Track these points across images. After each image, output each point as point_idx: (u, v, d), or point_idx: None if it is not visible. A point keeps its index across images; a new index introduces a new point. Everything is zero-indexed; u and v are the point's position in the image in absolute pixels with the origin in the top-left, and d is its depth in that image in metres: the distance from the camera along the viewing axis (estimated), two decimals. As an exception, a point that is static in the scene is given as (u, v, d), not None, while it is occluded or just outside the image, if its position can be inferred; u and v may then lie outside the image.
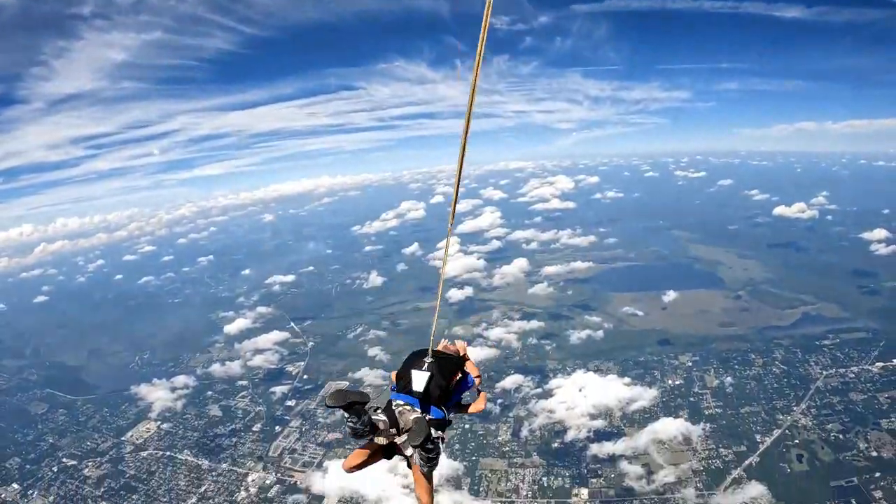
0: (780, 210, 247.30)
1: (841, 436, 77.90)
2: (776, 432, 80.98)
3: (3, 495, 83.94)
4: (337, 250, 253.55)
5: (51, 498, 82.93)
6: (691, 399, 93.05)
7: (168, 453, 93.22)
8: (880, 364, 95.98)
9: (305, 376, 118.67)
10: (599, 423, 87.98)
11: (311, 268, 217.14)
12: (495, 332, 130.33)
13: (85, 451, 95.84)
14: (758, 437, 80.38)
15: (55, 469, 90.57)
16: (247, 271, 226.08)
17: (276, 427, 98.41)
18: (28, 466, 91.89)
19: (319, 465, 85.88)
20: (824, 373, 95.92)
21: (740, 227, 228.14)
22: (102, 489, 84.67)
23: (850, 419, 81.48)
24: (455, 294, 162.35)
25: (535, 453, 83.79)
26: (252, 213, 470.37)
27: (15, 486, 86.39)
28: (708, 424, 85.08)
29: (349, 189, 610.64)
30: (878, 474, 69.30)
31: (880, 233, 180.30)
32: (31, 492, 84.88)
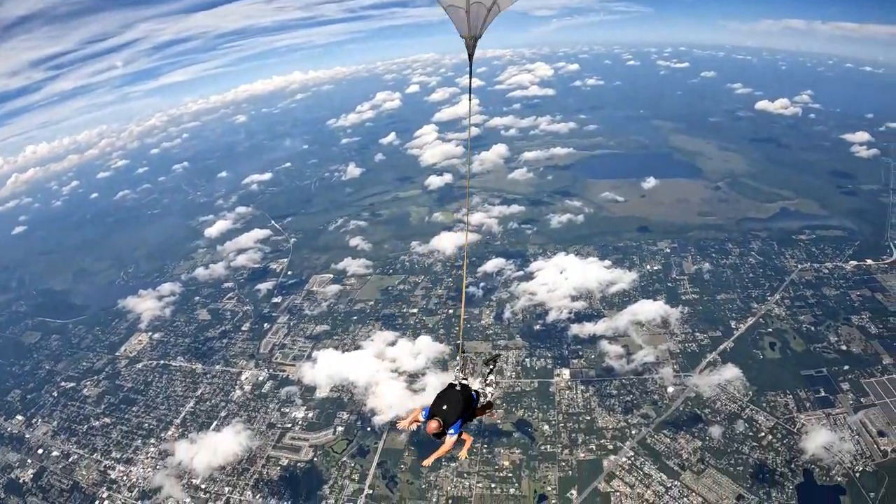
0: (762, 105, 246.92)
1: (812, 328, 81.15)
2: (750, 320, 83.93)
3: (9, 429, 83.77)
4: (313, 145, 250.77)
5: (54, 423, 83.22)
6: (669, 284, 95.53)
7: (162, 362, 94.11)
8: (854, 263, 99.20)
9: (289, 272, 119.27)
10: (580, 305, 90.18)
11: (288, 164, 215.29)
12: (476, 217, 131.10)
13: (81, 371, 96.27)
14: (733, 324, 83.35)
15: (55, 394, 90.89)
16: (223, 174, 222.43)
17: (265, 324, 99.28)
18: (28, 396, 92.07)
19: (309, 357, 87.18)
20: (799, 266, 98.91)
21: (722, 119, 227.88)
22: (103, 406, 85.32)
23: (822, 312, 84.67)
24: (434, 181, 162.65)
25: (517, 335, 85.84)
26: (224, 115, 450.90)
27: (19, 417, 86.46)
28: (686, 308, 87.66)
29: (322, 83, 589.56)
30: (846, 367, 72.59)
31: (862, 136, 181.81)
32: (34, 420, 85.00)
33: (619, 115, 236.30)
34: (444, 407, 12.74)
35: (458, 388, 13.46)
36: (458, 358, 14.43)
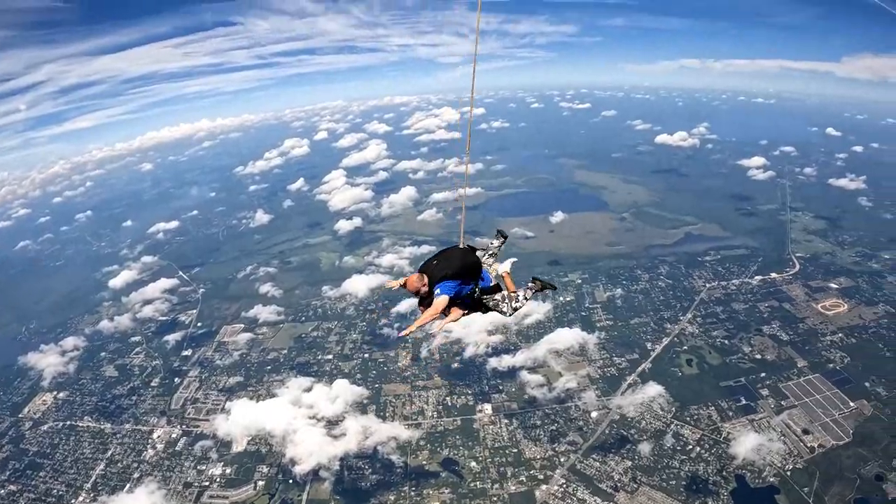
0: (662, 138, 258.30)
1: (726, 341, 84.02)
2: (665, 340, 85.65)
3: None
4: (221, 193, 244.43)
5: (-45, 496, 76.65)
6: (583, 313, 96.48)
7: (68, 423, 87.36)
8: (759, 277, 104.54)
9: (199, 323, 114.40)
10: (496, 339, 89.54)
11: (195, 212, 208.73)
12: (387, 259, 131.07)
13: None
14: (649, 345, 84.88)
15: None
16: (128, 223, 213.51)
17: (175, 379, 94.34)
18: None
19: (223, 410, 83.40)
20: (707, 286, 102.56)
21: (624, 154, 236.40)
22: (7, 472, 78.33)
23: (733, 326, 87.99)
24: (344, 225, 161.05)
25: (436, 374, 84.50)
26: (130, 163, 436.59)
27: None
28: (602, 334, 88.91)
29: (230, 131, 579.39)
30: (763, 374, 75.74)
31: (758, 160, 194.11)
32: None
33: (525, 155, 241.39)
34: (436, 263, 11.19)
35: (463, 248, 11.65)
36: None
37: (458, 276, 11.05)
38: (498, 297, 12.30)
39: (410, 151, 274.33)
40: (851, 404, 68.75)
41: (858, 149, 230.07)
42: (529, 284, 13.14)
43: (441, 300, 10.61)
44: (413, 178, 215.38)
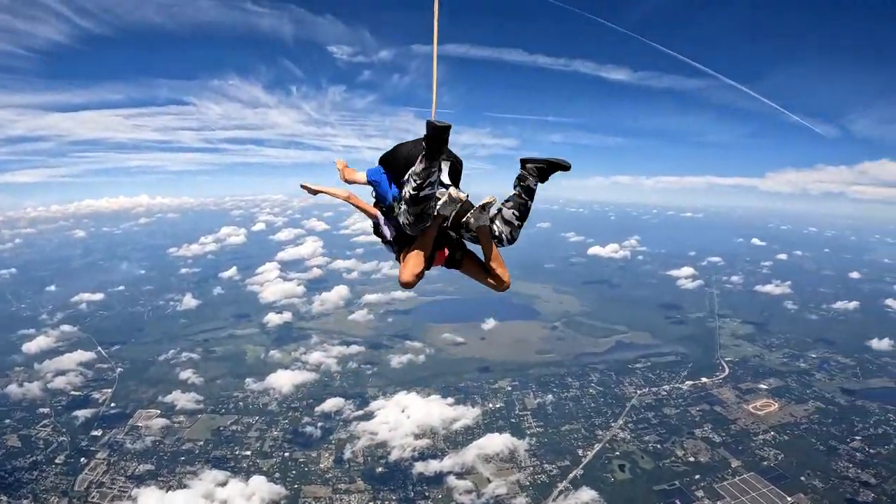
0: (594, 250, 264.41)
1: (659, 445, 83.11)
2: (597, 446, 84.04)
3: None
4: (151, 271, 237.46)
5: None
6: (512, 420, 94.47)
7: None
8: (690, 382, 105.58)
9: (113, 403, 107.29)
10: (424, 443, 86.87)
11: (122, 287, 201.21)
12: (314, 357, 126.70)
13: None
14: (580, 452, 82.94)
15: None
16: (52, 288, 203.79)
17: (82, 459, 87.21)
18: None
19: (129, 498, 78.12)
20: (638, 392, 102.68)
21: (557, 265, 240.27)
22: None
23: (665, 431, 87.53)
24: (273, 319, 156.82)
25: (359, 478, 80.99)
26: (63, 227, 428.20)
27: None
28: (532, 440, 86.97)
29: (168, 211, 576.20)
30: (697, 476, 75.14)
31: (687, 270, 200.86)
32: None
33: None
34: (388, 151, 9.08)
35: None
36: None
37: (397, 171, 8.83)
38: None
39: (346, 251, 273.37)
40: (789, 499, 69.35)
41: (783, 256, 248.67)
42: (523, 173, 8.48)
43: (357, 177, 9.68)
44: (346, 278, 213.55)
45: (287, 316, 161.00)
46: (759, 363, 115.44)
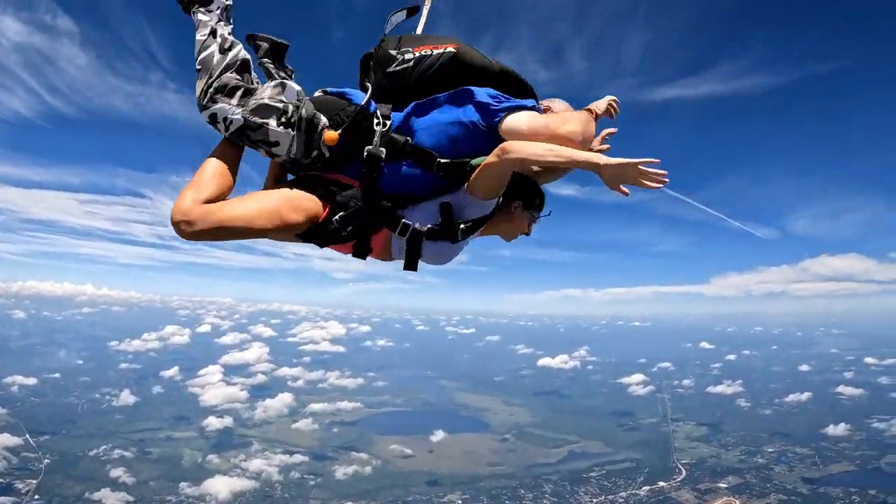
0: (544, 362, 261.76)
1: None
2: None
3: None
4: (90, 363, 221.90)
5: None
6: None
7: None
8: (647, 487, 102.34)
9: (37, 496, 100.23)
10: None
11: (57, 375, 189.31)
12: (255, 464, 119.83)
13: None
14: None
15: None
16: None
17: None
18: None
19: None
20: (594, 500, 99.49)
21: (507, 377, 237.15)
22: None
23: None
24: (213, 422, 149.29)
25: None
26: (3, 305, 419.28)
27: None
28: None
29: (113, 303, 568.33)
30: None
31: (637, 377, 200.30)
32: None
33: (408, 375, 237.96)
34: None
35: None
36: None
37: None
38: None
39: (293, 359, 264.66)
40: None
41: (732, 357, 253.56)
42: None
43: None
44: (292, 386, 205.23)
45: (228, 421, 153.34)
46: (716, 463, 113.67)
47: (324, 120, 4.97)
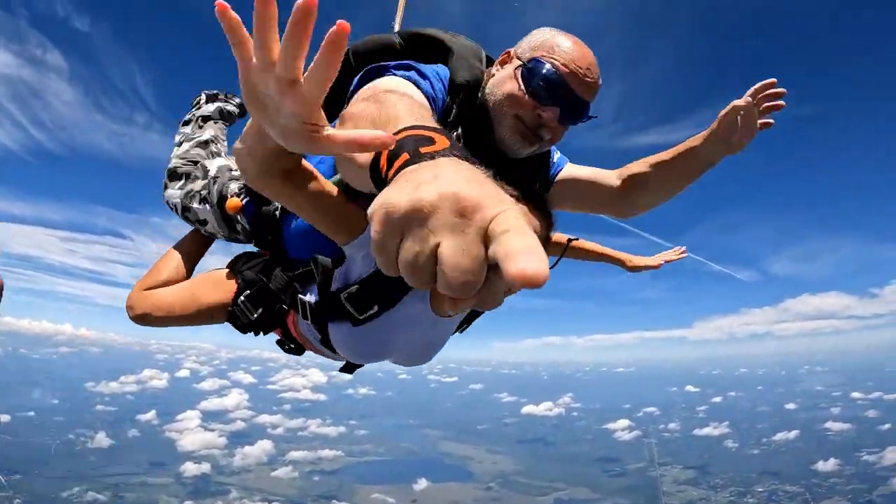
0: (528, 409, 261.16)
1: None
2: None
3: None
4: (65, 403, 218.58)
5: None
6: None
7: None
8: None
9: None
10: None
11: (31, 413, 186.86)
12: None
13: None
14: None
15: None
16: None
17: None
18: None
19: None
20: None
21: (490, 425, 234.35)
22: None
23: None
24: (191, 468, 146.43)
25: None
26: None
27: None
28: None
29: (91, 344, 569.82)
30: None
31: (623, 422, 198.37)
32: None
33: (390, 423, 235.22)
34: None
35: None
36: None
37: None
38: None
39: (272, 406, 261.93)
40: None
41: (718, 399, 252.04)
42: None
43: None
44: (271, 433, 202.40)
45: (206, 467, 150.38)
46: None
47: (233, 187, 3.99)
